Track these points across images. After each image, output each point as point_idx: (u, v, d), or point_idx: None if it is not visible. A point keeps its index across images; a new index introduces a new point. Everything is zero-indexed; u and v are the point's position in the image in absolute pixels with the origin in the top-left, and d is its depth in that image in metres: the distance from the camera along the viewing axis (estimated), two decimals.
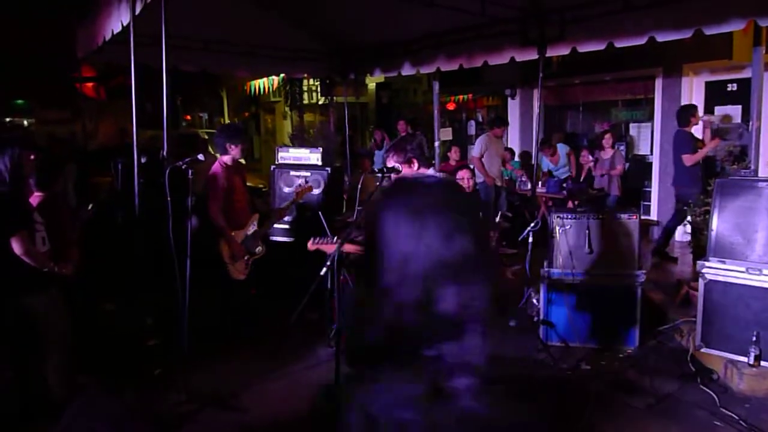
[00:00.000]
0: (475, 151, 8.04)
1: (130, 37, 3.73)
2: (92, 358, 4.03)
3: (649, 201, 8.57)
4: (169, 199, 3.38)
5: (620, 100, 9.09)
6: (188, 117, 18.16)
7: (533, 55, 5.82)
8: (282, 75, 11.67)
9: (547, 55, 5.73)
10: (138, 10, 3.69)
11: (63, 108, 12.55)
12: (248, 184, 9.35)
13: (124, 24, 4.04)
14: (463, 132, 12.86)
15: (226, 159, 4.53)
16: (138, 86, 3.83)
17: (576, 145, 9.23)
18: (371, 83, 13.99)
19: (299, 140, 10.65)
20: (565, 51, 5.71)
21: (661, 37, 4.86)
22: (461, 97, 12.88)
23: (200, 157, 3.56)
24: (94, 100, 13.63)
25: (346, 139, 8.80)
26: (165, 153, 3.71)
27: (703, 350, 4.17)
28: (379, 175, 2.93)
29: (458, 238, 1.06)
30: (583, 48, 5.47)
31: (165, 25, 3.69)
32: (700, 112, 7.95)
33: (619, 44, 5.18)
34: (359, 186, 3.94)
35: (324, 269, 2.60)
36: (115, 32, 4.55)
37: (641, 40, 4.99)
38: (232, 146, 4.49)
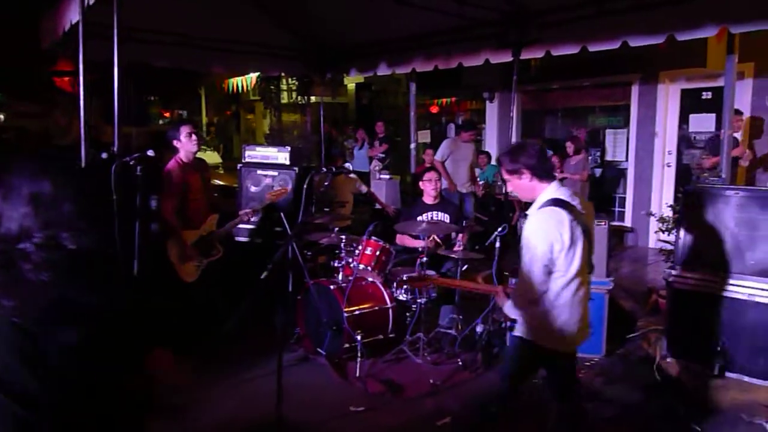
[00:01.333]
0: (437, 154, 7.68)
1: (80, 30, 3.60)
2: None
3: (624, 207, 8.57)
4: (114, 197, 3.22)
5: (598, 106, 9.08)
6: (167, 113, 17.91)
7: (508, 57, 5.76)
8: (257, 73, 11.51)
9: (521, 57, 5.68)
10: (76, 19, 3.60)
11: (36, 102, 12.26)
12: (222, 183, 9.26)
13: (76, 18, 3.91)
14: (443, 135, 12.80)
15: (181, 155, 4.43)
16: (88, 80, 3.68)
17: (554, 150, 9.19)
18: (351, 84, 13.88)
19: (275, 140, 10.49)
20: (539, 54, 5.67)
21: (633, 42, 4.83)
22: (444, 100, 12.84)
23: (150, 152, 3.41)
24: (70, 94, 13.35)
25: (321, 139, 8.69)
26: (115, 149, 3.54)
27: (669, 360, 4.11)
28: (325, 171, 2.77)
29: None
30: (558, 51, 5.42)
31: (117, 16, 3.54)
32: (675, 120, 7.99)
33: (593, 48, 5.14)
34: (314, 184, 3.75)
35: (265, 273, 2.47)
36: (73, 23, 4.41)
37: (615, 45, 4.96)
38: (176, 140, 4.40)
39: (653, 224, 7.06)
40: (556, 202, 2.63)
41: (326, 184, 2.65)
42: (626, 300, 5.48)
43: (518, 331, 2.81)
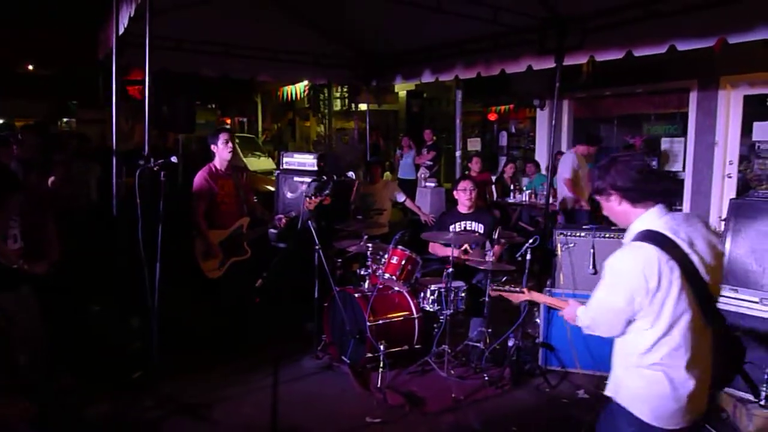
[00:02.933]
0: (565, 172, 6.86)
1: (113, 48, 3.81)
2: (72, 360, 4.03)
3: None
4: (138, 201, 3.34)
5: (653, 114, 8.68)
6: (228, 120, 18.49)
7: (551, 64, 5.63)
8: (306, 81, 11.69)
9: (564, 63, 5.53)
10: (122, 30, 3.94)
11: (101, 108, 12.96)
12: (271, 188, 9.42)
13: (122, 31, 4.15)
14: (495, 143, 12.59)
15: (215, 162, 4.57)
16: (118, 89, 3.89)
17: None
18: (402, 91, 13.88)
19: (322, 147, 10.62)
20: (583, 59, 5.55)
21: (681, 46, 4.61)
22: (503, 107, 12.62)
23: (173, 159, 3.52)
24: (136, 101, 14.03)
25: (367, 146, 8.74)
26: (147, 153, 3.68)
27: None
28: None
29: None
30: (601, 57, 5.27)
31: (149, 29, 3.71)
32: (737, 128, 7.52)
33: (638, 53, 4.93)
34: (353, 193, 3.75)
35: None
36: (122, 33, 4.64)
37: (661, 49, 4.74)
38: (214, 145, 4.54)
39: None
40: (649, 236, 2.03)
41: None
42: None
43: (611, 391, 2.20)
